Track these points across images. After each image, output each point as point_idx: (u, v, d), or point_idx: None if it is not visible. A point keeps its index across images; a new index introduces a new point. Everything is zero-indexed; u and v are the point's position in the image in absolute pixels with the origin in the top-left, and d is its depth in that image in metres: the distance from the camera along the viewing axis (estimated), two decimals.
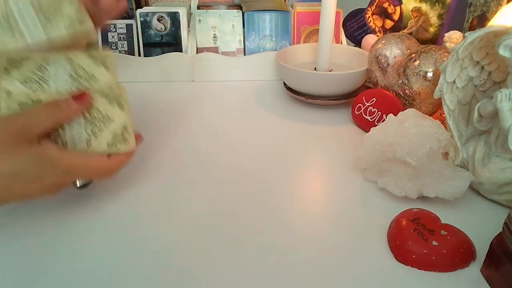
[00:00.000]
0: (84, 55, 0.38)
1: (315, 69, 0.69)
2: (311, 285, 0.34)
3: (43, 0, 0.37)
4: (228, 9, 0.78)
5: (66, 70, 0.37)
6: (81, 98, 0.37)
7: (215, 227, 0.40)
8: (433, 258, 0.35)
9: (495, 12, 0.64)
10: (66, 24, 0.38)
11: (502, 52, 0.39)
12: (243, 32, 0.78)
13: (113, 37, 0.77)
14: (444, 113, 0.47)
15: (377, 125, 0.51)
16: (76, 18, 0.39)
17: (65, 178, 0.37)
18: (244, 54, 0.79)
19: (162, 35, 0.77)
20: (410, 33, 0.72)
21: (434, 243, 0.35)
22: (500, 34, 0.40)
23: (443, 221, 0.38)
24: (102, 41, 0.77)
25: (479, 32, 0.42)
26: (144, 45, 0.77)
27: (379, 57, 0.62)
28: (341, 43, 0.80)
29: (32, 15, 0.37)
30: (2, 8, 0.36)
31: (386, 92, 0.58)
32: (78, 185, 0.40)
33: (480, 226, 0.40)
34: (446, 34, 0.55)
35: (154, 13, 0.75)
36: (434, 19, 0.69)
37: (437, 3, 0.68)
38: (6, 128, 0.33)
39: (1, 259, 0.37)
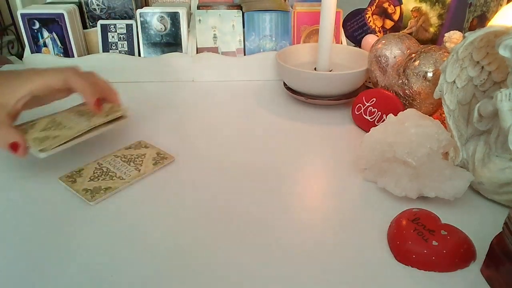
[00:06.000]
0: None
1: (315, 69, 0.69)
2: (311, 284, 0.34)
3: None
4: (228, 9, 0.78)
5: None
6: (15, 147, 0.44)
7: (214, 226, 0.40)
8: (433, 258, 0.35)
9: (495, 12, 0.64)
10: None
11: (502, 52, 0.39)
12: (243, 32, 0.78)
13: (113, 37, 0.77)
14: (444, 113, 0.47)
15: (377, 125, 0.51)
16: None
17: None
18: (244, 54, 0.79)
19: (162, 35, 0.77)
20: (410, 33, 0.72)
21: (434, 243, 0.35)
22: (500, 34, 0.40)
23: (443, 221, 0.38)
24: (102, 41, 0.77)
25: (479, 32, 0.42)
26: (144, 45, 0.77)
27: (379, 57, 0.62)
28: (341, 43, 0.80)
29: None
30: None
31: (386, 92, 0.58)
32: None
33: (480, 226, 0.40)
34: (446, 34, 0.55)
35: (154, 13, 0.75)
36: (434, 19, 0.69)
37: (437, 3, 0.68)
38: None
39: (0, 259, 0.37)
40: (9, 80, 0.46)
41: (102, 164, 0.49)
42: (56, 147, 0.46)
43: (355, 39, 0.82)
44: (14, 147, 0.44)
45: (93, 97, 0.48)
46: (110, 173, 0.47)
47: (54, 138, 0.46)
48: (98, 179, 0.46)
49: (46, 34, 0.74)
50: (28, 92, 0.46)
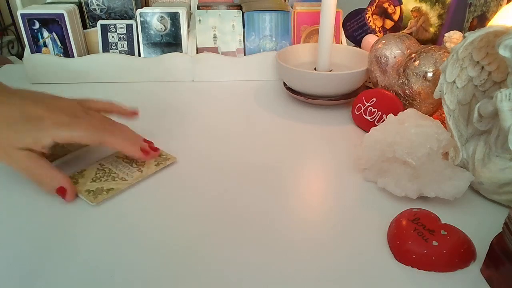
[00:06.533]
0: None
1: (315, 69, 0.69)
2: (311, 284, 0.34)
3: None
4: (228, 9, 0.78)
5: None
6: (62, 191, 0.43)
7: (215, 226, 0.40)
8: (433, 258, 0.35)
9: (495, 12, 0.64)
10: None
11: (502, 52, 0.39)
12: (243, 32, 0.78)
13: (113, 37, 0.77)
14: (444, 113, 0.47)
15: (377, 125, 0.51)
16: None
17: None
18: (244, 54, 0.79)
19: (162, 35, 0.77)
20: (410, 33, 0.72)
21: (434, 243, 0.35)
22: (500, 34, 0.40)
23: (443, 221, 0.38)
24: (102, 41, 0.77)
25: (479, 32, 0.42)
26: (144, 45, 0.77)
27: (379, 57, 0.62)
28: (341, 43, 0.80)
29: None
30: None
31: (386, 92, 0.58)
32: None
33: (480, 226, 0.40)
34: (446, 34, 0.55)
35: (154, 13, 0.75)
36: (434, 19, 0.69)
37: (437, 3, 0.68)
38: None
39: (1, 259, 0.37)
40: (24, 119, 0.42)
41: (104, 165, 0.49)
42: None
43: (355, 39, 0.82)
44: (61, 192, 0.43)
45: (138, 152, 0.47)
46: (112, 174, 0.48)
47: (108, 191, 0.45)
48: (101, 180, 0.46)
49: (46, 34, 0.74)
50: (50, 142, 0.42)
